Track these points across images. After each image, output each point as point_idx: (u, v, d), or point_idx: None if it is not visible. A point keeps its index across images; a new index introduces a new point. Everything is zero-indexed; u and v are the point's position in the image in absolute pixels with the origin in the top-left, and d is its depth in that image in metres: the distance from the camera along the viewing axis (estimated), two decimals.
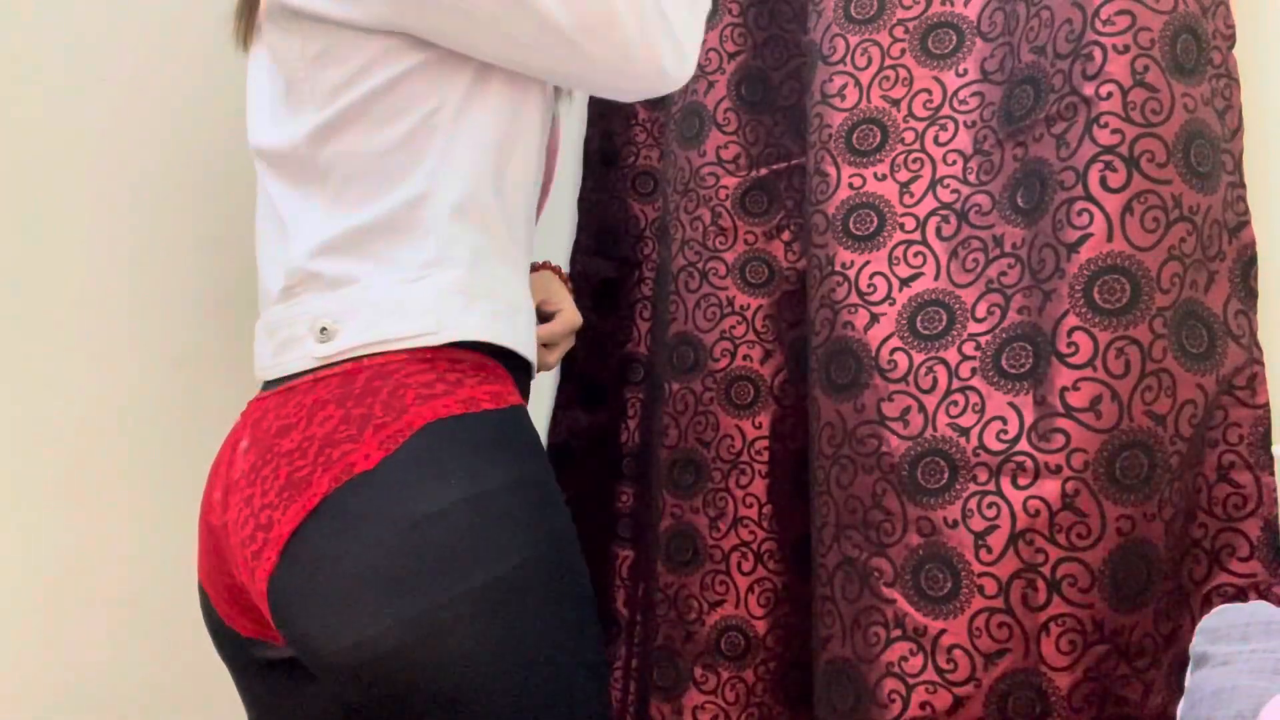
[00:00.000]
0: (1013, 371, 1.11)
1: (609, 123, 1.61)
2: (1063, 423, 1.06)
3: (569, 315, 1.24)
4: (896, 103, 1.25)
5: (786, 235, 1.38)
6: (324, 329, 0.95)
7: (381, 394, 0.91)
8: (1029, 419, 1.09)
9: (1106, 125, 1.07)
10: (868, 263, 1.22)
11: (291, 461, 0.90)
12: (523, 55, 0.94)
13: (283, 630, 0.91)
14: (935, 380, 1.15)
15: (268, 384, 1.01)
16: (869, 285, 1.21)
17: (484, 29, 0.92)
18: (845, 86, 1.27)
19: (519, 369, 1.01)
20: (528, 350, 1.01)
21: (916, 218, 1.22)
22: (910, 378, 1.16)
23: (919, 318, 1.18)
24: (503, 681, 0.87)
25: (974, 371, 1.13)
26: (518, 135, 1.00)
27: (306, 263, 0.97)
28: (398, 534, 0.87)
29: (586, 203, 1.63)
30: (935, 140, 1.23)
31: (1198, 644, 0.96)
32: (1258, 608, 0.97)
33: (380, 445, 0.89)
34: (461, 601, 0.86)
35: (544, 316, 1.22)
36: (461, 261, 0.96)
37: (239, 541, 0.93)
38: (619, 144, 1.60)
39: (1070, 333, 1.07)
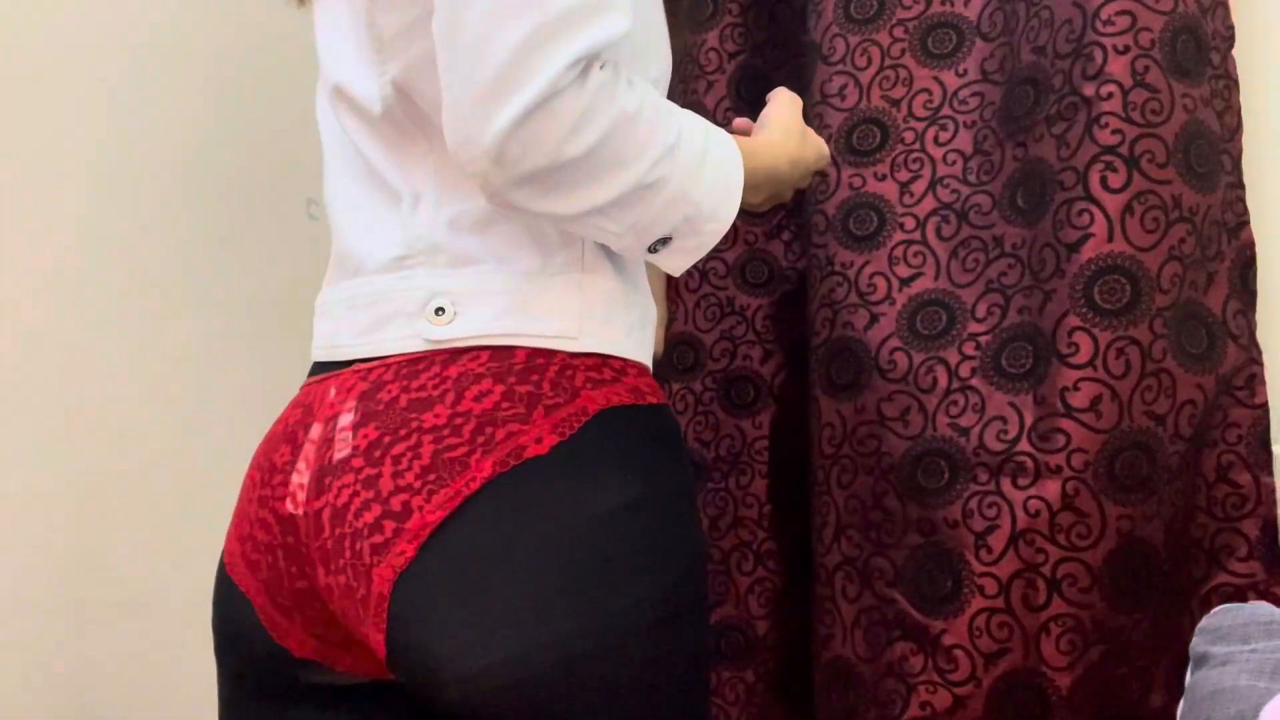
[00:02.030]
0: (1013, 371, 1.12)
1: None
2: (1063, 423, 1.06)
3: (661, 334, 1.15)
4: (896, 103, 1.25)
5: (786, 235, 1.38)
6: (440, 309, 0.84)
7: (549, 372, 0.82)
8: (1029, 419, 1.09)
9: (1107, 125, 1.07)
10: (868, 263, 1.22)
11: (440, 439, 0.79)
12: None
13: (394, 645, 0.78)
14: (935, 380, 1.15)
15: (331, 365, 0.88)
16: (869, 285, 1.21)
17: None
18: (845, 86, 1.27)
19: None
20: (651, 363, 0.92)
21: (916, 218, 1.22)
22: (910, 378, 1.16)
23: (919, 318, 1.18)
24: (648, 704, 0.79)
25: (974, 371, 1.14)
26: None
27: (433, 233, 0.85)
28: (571, 533, 0.78)
29: None
30: (935, 140, 1.23)
31: (1198, 644, 0.96)
32: (1258, 608, 0.97)
33: (554, 429, 0.79)
34: (632, 614, 0.78)
35: None
36: (605, 259, 0.86)
37: (351, 532, 0.80)
38: None
39: (1070, 333, 1.07)
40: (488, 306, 0.83)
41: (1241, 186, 1.14)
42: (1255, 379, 1.11)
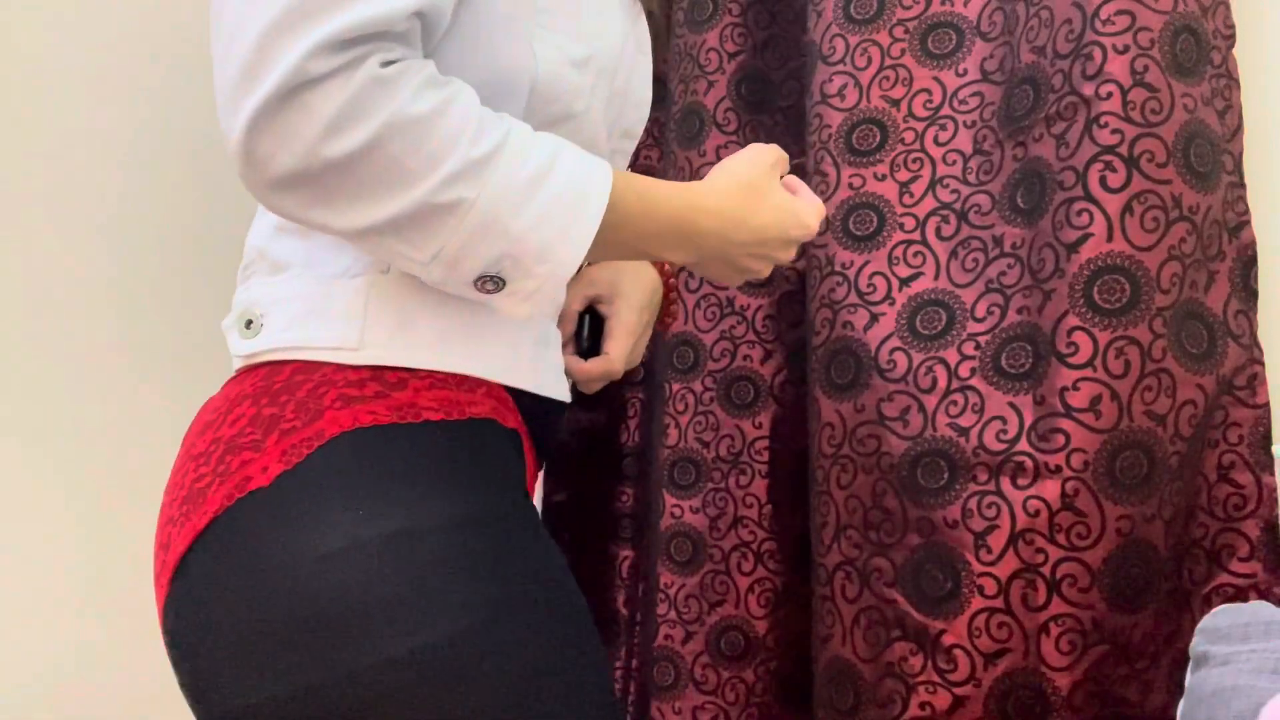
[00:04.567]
0: (1012, 371, 1.11)
1: None
2: (1062, 423, 1.06)
3: (613, 358, 1.01)
4: (896, 103, 1.25)
5: None
6: (249, 322, 0.79)
7: (300, 391, 0.74)
8: (1029, 419, 1.09)
9: (1106, 125, 1.07)
10: (867, 263, 1.22)
11: (197, 467, 0.74)
12: None
13: (177, 677, 0.75)
14: (935, 380, 1.15)
15: None
16: (869, 285, 1.21)
17: None
18: (845, 86, 1.27)
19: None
20: (509, 375, 0.81)
21: (916, 218, 1.22)
22: (910, 378, 1.16)
23: (919, 318, 1.18)
24: None
25: (974, 371, 1.13)
26: None
27: (263, 240, 0.81)
28: (291, 574, 0.68)
29: None
30: (935, 140, 1.23)
31: (1198, 644, 0.96)
32: (1258, 608, 0.97)
33: (282, 456, 0.71)
34: (371, 675, 0.66)
35: (598, 314, 1.03)
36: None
37: (156, 558, 0.77)
38: None
39: (1070, 333, 1.07)
40: (283, 315, 0.77)
41: (1243, 186, 1.13)
42: (1256, 379, 1.11)
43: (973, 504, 1.09)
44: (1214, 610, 1.00)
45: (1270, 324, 1.13)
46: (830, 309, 1.23)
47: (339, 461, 0.71)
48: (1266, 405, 1.11)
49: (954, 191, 1.21)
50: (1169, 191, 1.07)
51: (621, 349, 1.02)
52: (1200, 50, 1.10)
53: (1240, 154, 1.13)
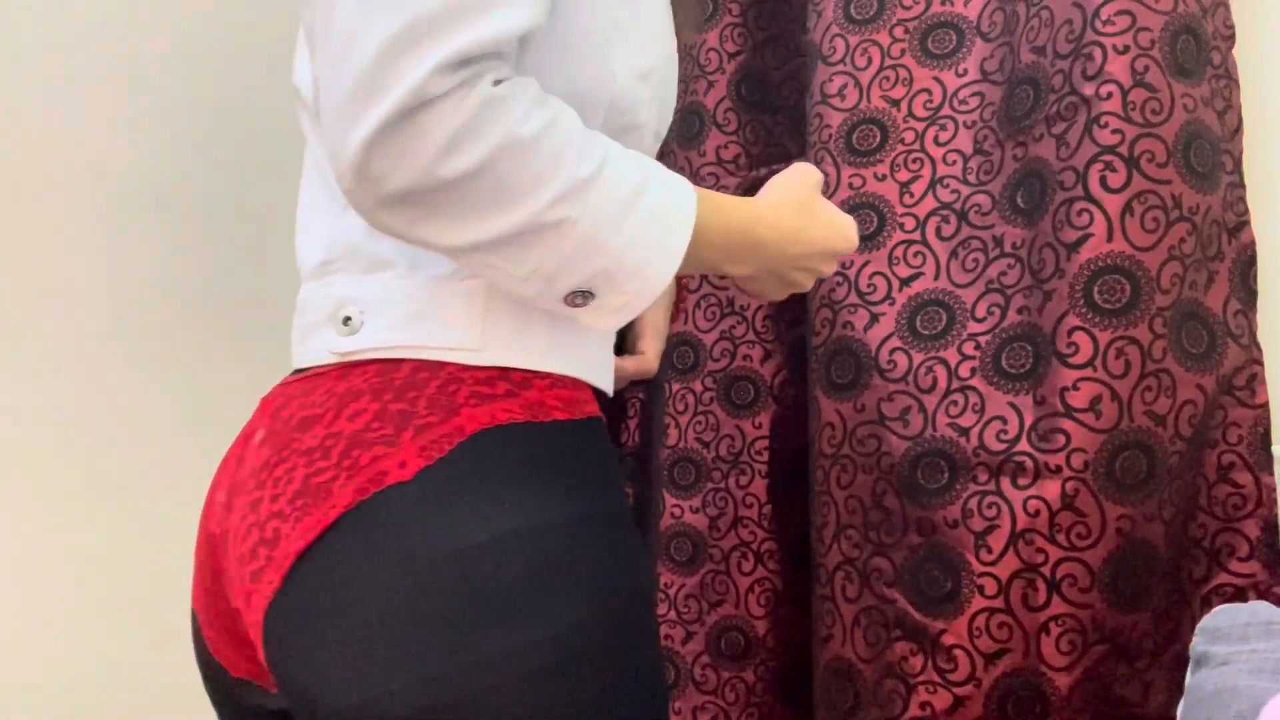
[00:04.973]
0: (1013, 371, 1.11)
1: None
2: (1063, 423, 1.06)
3: (649, 357, 1.03)
4: (896, 103, 1.25)
5: None
6: (347, 319, 0.78)
7: (429, 388, 0.75)
8: (1029, 419, 1.09)
9: (1106, 125, 1.07)
10: (868, 262, 1.22)
11: (311, 461, 0.74)
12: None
13: (276, 675, 0.74)
14: (935, 380, 1.15)
15: (296, 371, 0.85)
16: (869, 285, 1.21)
17: None
18: (845, 86, 1.27)
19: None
20: (599, 378, 0.84)
21: (916, 218, 1.22)
22: (910, 378, 1.16)
23: (919, 318, 1.18)
24: None
25: (974, 371, 1.13)
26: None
27: (356, 237, 0.80)
28: (432, 567, 0.70)
29: None
30: (935, 140, 1.23)
31: (1198, 644, 0.96)
32: (1258, 608, 0.97)
33: (421, 451, 0.72)
34: (504, 662, 0.68)
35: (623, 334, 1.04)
36: None
37: (238, 557, 0.76)
38: None
39: (1070, 333, 1.07)
40: (390, 314, 0.77)
41: (1242, 186, 1.14)
42: (1256, 379, 1.11)
43: (973, 504, 1.09)
44: (1214, 610, 1.00)
45: (1270, 324, 1.13)
46: (830, 309, 1.23)
47: (480, 457, 0.73)
48: (1266, 405, 1.11)
49: (954, 191, 1.21)
50: (1169, 191, 1.07)
51: (657, 348, 1.06)
52: (1200, 50, 1.10)
53: (1240, 154, 1.13)
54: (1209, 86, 1.11)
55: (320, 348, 0.80)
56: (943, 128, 1.23)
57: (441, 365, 0.75)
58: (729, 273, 0.84)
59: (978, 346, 1.14)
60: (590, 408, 0.80)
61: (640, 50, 0.80)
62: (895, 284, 1.20)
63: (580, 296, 0.73)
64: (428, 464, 0.72)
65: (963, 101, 1.22)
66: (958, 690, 1.08)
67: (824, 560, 1.21)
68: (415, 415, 0.73)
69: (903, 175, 1.23)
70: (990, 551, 1.07)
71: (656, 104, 0.84)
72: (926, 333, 1.17)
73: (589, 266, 0.71)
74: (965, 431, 1.12)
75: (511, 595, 0.70)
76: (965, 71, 1.23)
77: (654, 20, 0.83)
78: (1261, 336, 1.12)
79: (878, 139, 1.25)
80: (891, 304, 1.20)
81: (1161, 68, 1.07)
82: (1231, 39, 1.14)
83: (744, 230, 0.82)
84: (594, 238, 0.69)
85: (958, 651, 1.08)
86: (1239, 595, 1.09)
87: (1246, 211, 1.13)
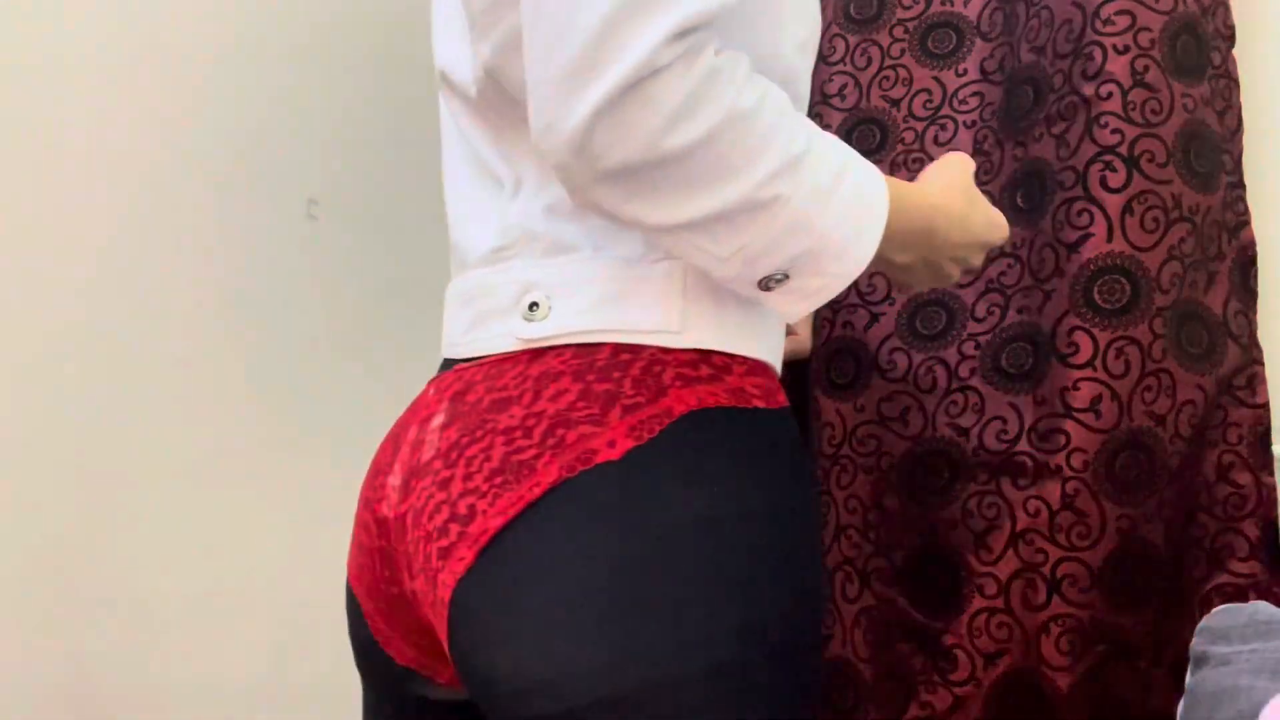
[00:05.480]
0: (1012, 371, 1.11)
1: None
2: (1063, 423, 1.06)
3: (804, 338, 1.06)
4: (896, 103, 1.25)
5: None
6: (534, 304, 0.76)
7: (633, 369, 0.73)
8: (1029, 419, 1.09)
9: (1106, 125, 1.07)
10: None
11: (511, 440, 0.72)
12: None
13: (457, 655, 0.73)
14: (935, 380, 1.15)
15: (449, 364, 0.83)
16: (869, 285, 1.21)
17: None
18: (845, 86, 1.27)
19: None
20: (778, 362, 0.82)
21: None
22: (910, 378, 1.16)
23: (918, 318, 1.18)
24: None
25: (973, 371, 1.14)
26: None
27: (531, 221, 0.78)
28: (642, 545, 0.69)
29: None
30: (935, 140, 1.23)
31: (1198, 644, 0.96)
32: (1258, 608, 0.97)
33: (630, 431, 0.71)
34: (702, 645, 0.68)
35: None
36: None
37: (423, 535, 0.75)
38: None
39: (1070, 333, 1.07)
40: (580, 298, 0.75)
41: (1242, 186, 1.14)
42: (1256, 379, 1.11)
43: (973, 504, 1.09)
44: (1214, 610, 1.00)
45: (1270, 324, 1.13)
46: (830, 309, 1.23)
47: (687, 440, 0.71)
48: (1266, 405, 1.11)
49: None
50: (1169, 192, 1.07)
51: (809, 328, 1.08)
52: (1200, 50, 1.10)
53: (1240, 154, 1.13)
54: (1209, 86, 1.11)
55: (503, 333, 0.78)
56: (943, 128, 1.23)
57: (641, 348, 0.74)
58: (893, 260, 0.81)
59: (978, 346, 1.14)
60: (781, 397, 0.78)
61: (800, 19, 0.78)
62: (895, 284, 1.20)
63: (775, 280, 0.71)
64: (637, 444, 0.70)
65: (962, 101, 1.22)
66: (958, 690, 1.08)
67: (824, 560, 1.21)
68: (622, 395, 0.72)
69: (903, 175, 1.23)
70: (990, 551, 1.07)
71: (808, 76, 0.82)
72: (926, 333, 1.17)
73: (794, 247, 0.69)
74: (965, 431, 1.12)
75: (718, 578, 0.69)
76: (965, 71, 1.23)
77: None
78: (1261, 336, 1.12)
79: (878, 139, 1.25)
80: (891, 304, 1.20)
81: (1161, 68, 1.07)
82: (1231, 39, 1.14)
83: (921, 216, 0.80)
84: (803, 217, 0.67)
85: (958, 651, 1.08)
86: (1239, 595, 1.09)
87: (1246, 211, 1.13)
